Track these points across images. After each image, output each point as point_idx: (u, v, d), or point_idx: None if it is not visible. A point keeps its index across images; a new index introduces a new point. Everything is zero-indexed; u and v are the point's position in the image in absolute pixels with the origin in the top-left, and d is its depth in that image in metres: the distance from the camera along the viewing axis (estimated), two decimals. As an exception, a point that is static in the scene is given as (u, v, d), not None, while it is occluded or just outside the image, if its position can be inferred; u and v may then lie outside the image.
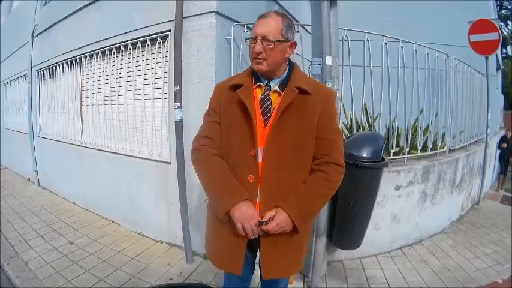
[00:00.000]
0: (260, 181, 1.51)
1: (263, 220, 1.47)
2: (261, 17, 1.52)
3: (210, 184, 1.58)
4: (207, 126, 1.66)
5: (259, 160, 1.51)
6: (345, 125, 3.88)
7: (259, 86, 1.58)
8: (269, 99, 1.54)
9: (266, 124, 1.52)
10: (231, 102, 1.56)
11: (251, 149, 1.50)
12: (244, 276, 1.77)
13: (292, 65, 1.63)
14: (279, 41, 1.48)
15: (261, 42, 1.47)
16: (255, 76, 1.59)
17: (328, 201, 1.69)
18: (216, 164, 1.57)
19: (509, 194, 7.13)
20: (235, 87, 1.56)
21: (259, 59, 1.49)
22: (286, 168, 1.52)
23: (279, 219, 1.47)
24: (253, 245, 1.62)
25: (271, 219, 1.47)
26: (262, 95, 1.56)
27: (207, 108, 1.69)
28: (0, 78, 8.55)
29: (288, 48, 1.55)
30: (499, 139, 8.93)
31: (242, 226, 1.46)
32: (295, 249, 1.63)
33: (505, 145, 8.65)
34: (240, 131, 1.53)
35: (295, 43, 1.58)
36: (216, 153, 1.59)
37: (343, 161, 1.59)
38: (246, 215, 1.46)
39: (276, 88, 1.55)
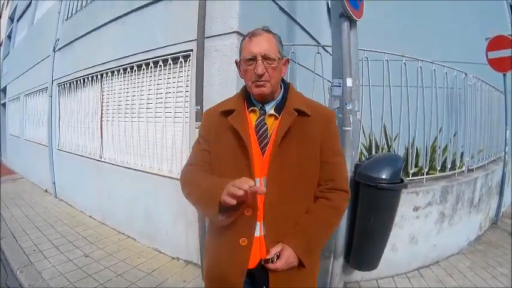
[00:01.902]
0: (261, 215, 1.37)
1: (268, 257, 1.35)
2: (252, 35, 1.38)
3: (196, 191, 1.40)
4: (196, 155, 1.53)
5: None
6: (364, 145, 3.86)
7: (253, 111, 1.45)
8: (265, 124, 1.41)
9: (264, 152, 1.38)
10: (222, 129, 1.43)
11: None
12: None
13: (287, 85, 1.51)
14: (279, 58, 1.39)
15: (262, 62, 1.34)
16: (248, 100, 1.47)
17: (334, 231, 1.50)
18: (204, 174, 1.43)
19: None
20: (226, 113, 1.44)
21: (262, 81, 1.36)
22: (290, 199, 1.39)
23: (287, 256, 1.34)
24: (256, 283, 1.45)
25: (277, 255, 1.35)
26: (257, 120, 1.42)
27: (198, 136, 1.58)
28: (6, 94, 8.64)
29: (283, 66, 1.45)
30: None
31: (231, 194, 1.17)
32: (308, 279, 1.49)
33: None
34: (233, 161, 1.38)
35: (288, 60, 1.51)
36: (201, 169, 1.46)
37: (348, 185, 1.50)
38: (233, 183, 1.18)
39: (272, 112, 1.42)
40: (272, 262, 1.35)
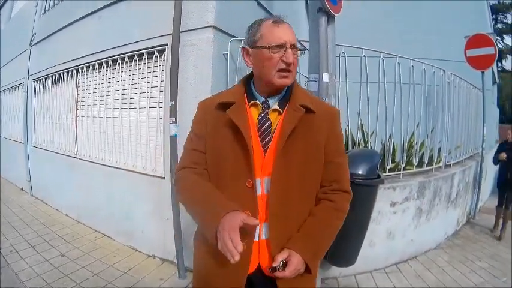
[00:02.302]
0: (261, 218, 1.27)
1: (275, 266, 1.21)
2: (277, 21, 1.27)
3: (194, 203, 1.34)
4: (189, 156, 1.40)
5: (259, 193, 1.27)
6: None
7: (255, 105, 1.33)
8: (268, 119, 1.30)
9: (266, 150, 1.27)
10: (220, 124, 1.31)
11: (247, 180, 1.25)
12: None
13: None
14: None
15: (292, 51, 1.24)
16: (248, 92, 1.36)
17: (336, 233, 1.37)
18: (200, 181, 1.33)
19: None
20: (223, 106, 1.30)
21: (289, 71, 1.25)
22: (294, 201, 1.29)
23: (296, 263, 1.21)
24: (252, 285, 1.33)
25: (284, 263, 1.22)
26: (259, 115, 1.31)
27: (190, 129, 1.46)
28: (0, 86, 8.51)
29: None
30: (496, 147, 5.84)
31: (222, 242, 1.11)
32: (310, 283, 1.38)
33: (504, 155, 5.12)
34: (232, 159, 1.28)
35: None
36: (196, 172, 1.36)
37: (349, 186, 1.41)
38: (226, 226, 1.12)
39: (276, 106, 1.31)
40: (278, 270, 1.21)
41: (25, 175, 6.48)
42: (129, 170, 3.93)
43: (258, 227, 1.25)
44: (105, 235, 4.31)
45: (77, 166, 4.88)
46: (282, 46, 1.22)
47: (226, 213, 1.15)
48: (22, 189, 6.85)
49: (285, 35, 1.24)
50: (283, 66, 1.23)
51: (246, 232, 1.18)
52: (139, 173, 3.79)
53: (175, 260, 3.33)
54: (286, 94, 1.34)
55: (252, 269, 1.29)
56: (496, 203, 5.20)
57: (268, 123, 1.29)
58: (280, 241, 1.27)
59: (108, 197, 4.25)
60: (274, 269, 1.21)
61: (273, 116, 1.31)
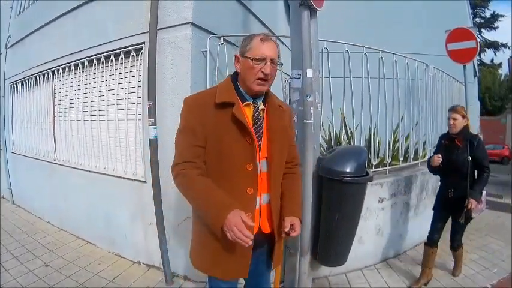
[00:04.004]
0: (260, 191, 1.66)
1: (287, 230, 1.66)
2: (264, 39, 1.59)
3: (199, 202, 1.59)
4: (190, 151, 1.61)
5: (259, 173, 1.63)
6: (323, 138, 3.82)
7: (247, 105, 1.64)
8: (261, 118, 1.66)
9: (259, 140, 1.63)
10: (223, 122, 1.58)
11: (248, 164, 1.59)
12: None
13: None
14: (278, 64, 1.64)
15: (270, 64, 1.57)
16: (239, 94, 1.64)
17: None
18: (201, 184, 1.56)
19: (491, 199, 7.17)
20: (223, 105, 1.58)
21: (265, 80, 1.58)
22: (279, 175, 1.77)
23: (298, 224, 1.71)
24: (256, 247, 1.68)
25: (292, 226, 1.67)
26: (254, 113, 1.64)
27: (181, 126, 1.64)
28: None
29: None
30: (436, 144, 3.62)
31: (234, 235, 1.42)
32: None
33: (438, 159, 3.08)
34: (236, 148, 1.58)
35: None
36: (199, 173, 1.58)
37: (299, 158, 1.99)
38: (232, 222, 1.42)
39: (262, 106, 1.69)
40: (291, 231, 1.68)
41: (5, 183, 6.30)
42: (109, 175, 3.84)
43: (258, 199, 1.65)
44: (88, 242, 4.22)
45: (57, 172, 4.75)
46: (263, 60, 1.55)
47: (229, 213, 1.44)
48: (3, 197, 6.65)
49: (267, 51, 1.56)
50: (262, 76, 1.56)
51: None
52: (120, 178, 3.70)
53: (161, 266, 3.26)
54: (265, 96, 1.71)
55: (254, 231, 1.62)
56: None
57: (261, 120, 1.66)
58: (276, 205, 1.72)
59: (90, 203, 4.15)
60: (287, 233, 1.68)
61: (261, 113, 1.68)
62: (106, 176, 3.87)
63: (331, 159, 2.69)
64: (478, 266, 3.58)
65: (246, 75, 1.59)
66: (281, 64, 1.67)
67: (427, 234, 3.30)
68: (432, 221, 3.33)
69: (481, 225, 4.95)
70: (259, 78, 1.56)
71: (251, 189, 1.60)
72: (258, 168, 1.62)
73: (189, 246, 1.80)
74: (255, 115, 1.64)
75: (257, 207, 1.65)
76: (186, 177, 1.58)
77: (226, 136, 1.57)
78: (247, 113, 1.62)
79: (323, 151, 3.49)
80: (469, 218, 3.09)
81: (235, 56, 1.66)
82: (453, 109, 3.12)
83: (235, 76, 1.70)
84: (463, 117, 3.08)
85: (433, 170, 3.26)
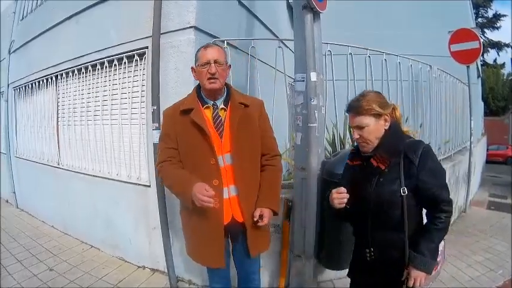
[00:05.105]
0: (226, 182, 1.91)
1: (256, 219, 1.93)
2: (206, 47, 1.91)
3: (174, 186, 1.95)
4: (165, 153, 1.98)
5: (222, 165, 1.90)
6: (327, 140, 3.80)
7: (207, 107, 1.94)
8: (219, 116, 1.93)
9: (221, 136, 1.91)
10: (186, 125, 1.89)
11: (211, 158, 1.87)
12: (226, 275, 2.15)
13: (229, 86, 2.06)
14: (225, 64, 1.94)
15: (215, 65, 1.84)
16: (200, 99, 1.95)
17: None
18: (172, 173, 1.93)
19: (496, 200, 7.14)
20: (186, 111, 1.89)
21: (214, 78, 1.85)
22: (248, 167, 1.95)
23: (267, 214, 1.95)
24: (229, 233, 2.01)
25: (261, 216, 1.93)
26: (213, 114, 1.93)
27: (160, 133, 2.05)
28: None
29: (228, 70, 2.04)
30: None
31: (198, 200, 1.71)
32: (267, 229, 2.14)
33: (343, 199, 1.66)
34: (199, 146, 1.88)
35: (230, 66, 2.09)
36: (174, 167, 1.94)
37: (278, 149, 2.17)
38: (197, 189, 1.72)
39: (222, 106, 1.96)
40: (259, 221, 1.93)
41: (9, 187, 6.32)
42: (113, 179, 3.84)
43: (226, 190, 1.91)
44: (92, 246, 4.22)
45: (61, 176, 4.75)
46: (207, 63, 1.85)
47: (194, 185, 1.75)
48: (7, 201, 6.66)
49: (210, 55, 1.86)
50: (209, 76, 1.85)
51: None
52: (124, 182, 3.70)
53: (166, 270, 3.25)
54: (227, 96, 1.98)
55: (227, 220, 1.93)
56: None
57: (220, 118, 1.93)
58: (246, 196, 1.94)
59: (94, 207, 4.15)
60: (256, 221, 1.93)
61: (221, 113, 1.95)
62: (110, 180, 3.86)
63: (336, 162, 2.65)
64: (483, 267, 3.55)
65: (200, 80, 1.91)
66: (229, 65, 2.05)
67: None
68: None
69: (485, 226, 4.93)
70: (209, 78, 1.84)
71: (216, 181, 1.87)
72: (222, 162, 1.90)
73: None
74: (214, 115, 1.92)
75: (226, 197, 1.92)
76: (162, 171, 1.97)
77: (189, 137, 1.89)
78: (207, 114, 1.92)
79: (327, 154, 3.47)
80: None
81: (192, 68, 2.00)
82: (354, 109, 1.68)
83: (199, 86, 1.99)
84: (380, 116, 1.69)
85: (337, 214, 1.80)
